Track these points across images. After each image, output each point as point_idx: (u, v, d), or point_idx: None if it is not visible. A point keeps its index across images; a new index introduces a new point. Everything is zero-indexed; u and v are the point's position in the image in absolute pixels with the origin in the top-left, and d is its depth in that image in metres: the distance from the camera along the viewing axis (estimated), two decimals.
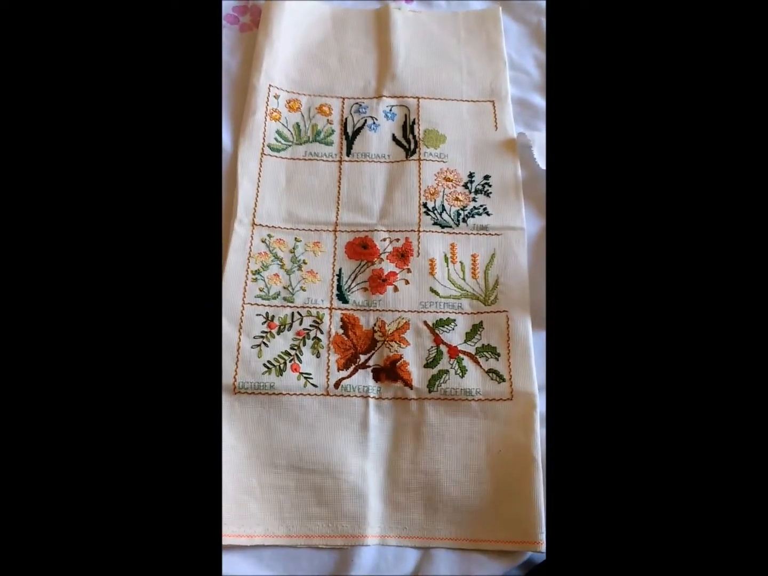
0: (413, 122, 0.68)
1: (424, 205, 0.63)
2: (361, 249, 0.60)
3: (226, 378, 0.53)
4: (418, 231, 0.61)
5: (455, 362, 0.55)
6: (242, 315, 0.56)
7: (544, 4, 0.78)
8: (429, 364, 0.55)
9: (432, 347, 0.56)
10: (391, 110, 0.69)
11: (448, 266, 0.60)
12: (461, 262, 0.60)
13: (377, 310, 0.57)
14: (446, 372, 0.55)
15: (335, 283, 0.59)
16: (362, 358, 0.55)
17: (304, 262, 0.60)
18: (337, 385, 0.54)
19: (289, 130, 0.67)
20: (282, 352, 0.55)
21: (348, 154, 0.66)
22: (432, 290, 0.58)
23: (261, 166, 0.64)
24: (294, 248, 0.60)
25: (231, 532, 0.49)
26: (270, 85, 0.69)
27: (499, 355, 0.56)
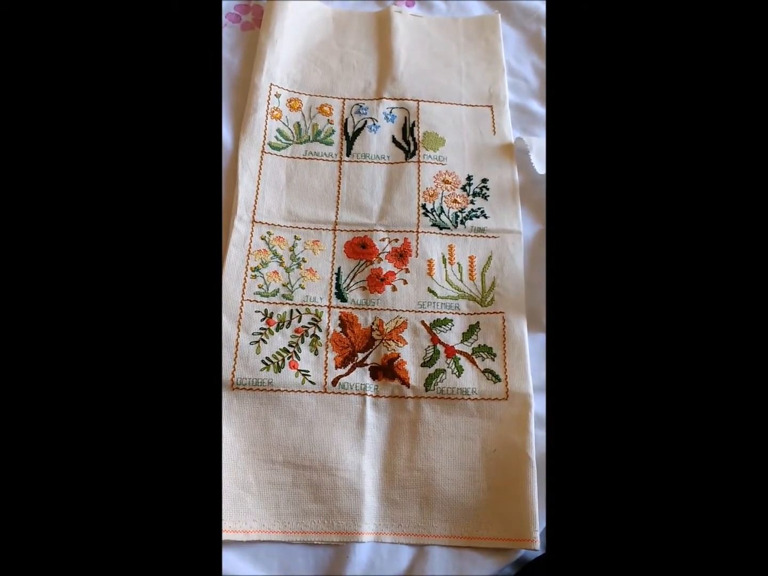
0: (413, 125, 0.69)
1: (423, 206, 0.64)
2: (360, 248, 0.61)
3: (225, 374, 0.53)
4: (417, 232, 0.62)
5: (452, 362, 0.56)
6: (241, 311, 0.56)
7: (542, 12, 0.80)
8: (426, 363, 0.56)
9: (429, 347, 0.56)
10: (391, 112, 0.69)
11: (445, 267, 0.61)
12: (459, 264, 0.61)
13: (375, 309, 0.58)
14: (443, 371, 0.55)
15: (334, 281, 0.59)
16: (360, 356, 0.56)
17: (304, 260, 0.60)
18: (334, 382, 0.54)
19: (289, 129, 0.67)
20: (280, 349, 0.55)
21: (348, 154, 0.66)
22: (430, 290, 0.59)
23: (261, 163, 0.64)
24: (293, 246, 0.61)
25: (227, 527, 0.49)
26: (271, 84, 0.69)
27: (495, 355, 0.56)
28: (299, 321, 0.57)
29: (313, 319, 0.57)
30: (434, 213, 0.63)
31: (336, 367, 0.55)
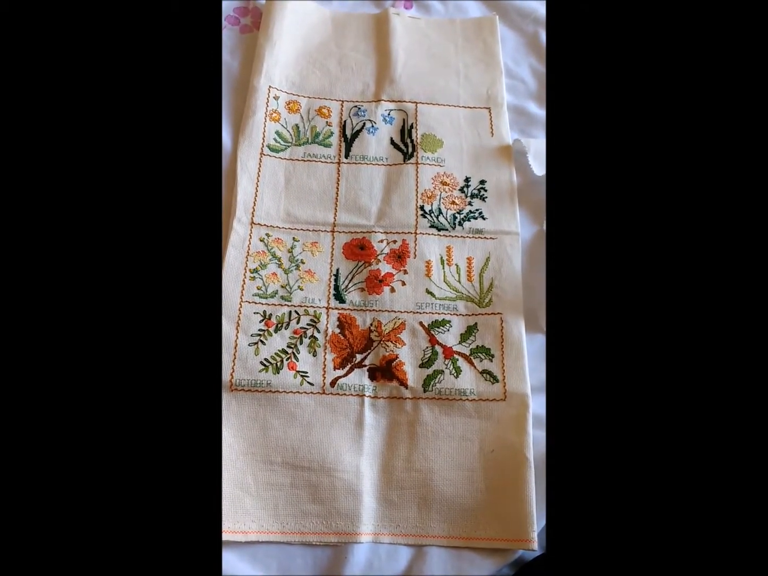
0: (411, 126, 0.69)
1: (421, 208, 0.64)
2: (359, 250, 0.61)
3: (224, 375, 0.54)
4: (415, 233, 0.62)
5: (450, 363, 0.56)
6: (240, 313, 0.57)
7: (540, 14, 0.80)
8: (424, 364, 0.56)
9: (427, 348, 0.57)
10: (389, 114, 0.70)
11: (443, 268, 0.61)
12: (457, 265, 0.61)
13: (374, 310, 0.58)
14: (441, 372, 0.56)
15: (332, 282, 0.59)
16: (358, 357, 0.56)
17: (302, 262, 0.60)
18: (333, 383, 0.55)
19: (288, 131, 0.68)
20: (279, 351, 0.55)
21: (346, 156, 0.67)
22: (428, 292, 0.59)
23: (260, 165, 0.65)
24: (292, 248, 0.61)
25: (226, 528, 0.49)
26: (270, 87, 0.69)
27: (493, 356, 0.56)
28: (298, 322, 0.57)
29: (311, 320, 0.57)
30: (432, 214, 0.64)
31: (334, 368, 0.55)
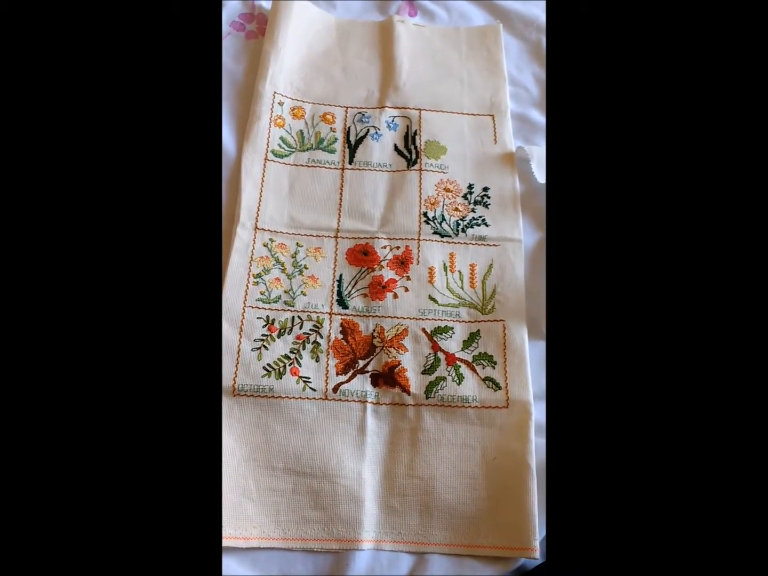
0: (415, 133, 0.69)
1: (425, 214, 0.64)
2: (362, 255, 0.61)
3: (226, 380, 0.54)
4: (418, 239, 0.62)
5: (452, 369, 0.56)
6: (243, 318, 0.57)
7: (543, 22, 0.80)
8: (427, 371, 0.56)
9: (430, 354, 0.57)
10: (393, 121, 0.70)
11: (446, 275, 0.61)
12: (460, 271, 0.61)
13: (377, 316, 0.58)
14: (443, 379, 0.56)
15: (335, 288, 0.59)
16: (361, 363, 0.56)
17: (305, 267, 0.60)
18: (335, 389, 0.55)
19: (292, 136, 0.68)
20: (282, 356, 0.55)
21: (350, 162, 0.67)
22: (431, 298, 0.59)
23: (264, 171, 0.65)
24: (295, 253, 0.61)
25: (227, 534, 0.49)
26: (275, 93, 0.70)
27: (495, 363, 0.56)
28: (300, 328, 0.57)
29: (314, 325, 0.57)
30: (435, 221, 0.64)
31: (337, 374, 0.55)
